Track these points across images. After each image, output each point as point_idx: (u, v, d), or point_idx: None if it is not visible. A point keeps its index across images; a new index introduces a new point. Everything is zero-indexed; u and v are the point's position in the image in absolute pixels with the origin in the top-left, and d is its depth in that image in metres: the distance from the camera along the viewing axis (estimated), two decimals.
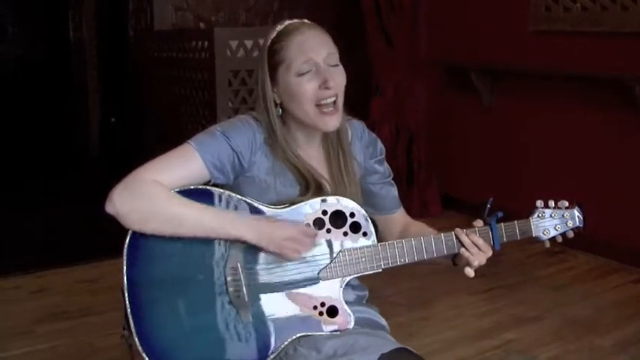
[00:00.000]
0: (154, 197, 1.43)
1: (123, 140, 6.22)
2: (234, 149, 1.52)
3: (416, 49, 4.86)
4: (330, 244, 1.53)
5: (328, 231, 1.52)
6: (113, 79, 6.50)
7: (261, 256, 1.50)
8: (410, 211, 1.83)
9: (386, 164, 1.75)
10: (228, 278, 1.47)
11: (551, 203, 1.62)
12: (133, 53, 5.44)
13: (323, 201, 1.53)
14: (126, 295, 1.42)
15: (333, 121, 1.54)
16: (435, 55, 4.85)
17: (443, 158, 4.88)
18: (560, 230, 1.61)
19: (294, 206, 1.53)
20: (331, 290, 1.52)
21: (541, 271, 3.74)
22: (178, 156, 1.50)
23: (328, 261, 1.52)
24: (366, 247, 1.54)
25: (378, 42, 4.61)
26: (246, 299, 1.47)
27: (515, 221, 1.60)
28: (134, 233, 1.44)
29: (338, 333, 1.51)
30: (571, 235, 1.62)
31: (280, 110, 1.57)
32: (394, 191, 1.76)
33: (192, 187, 1.49)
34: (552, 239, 1.62)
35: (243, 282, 1.47)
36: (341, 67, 1.56)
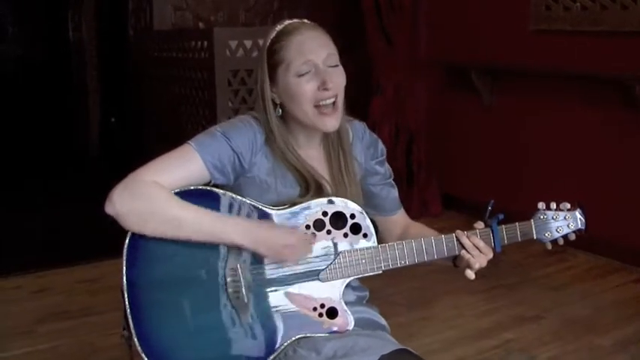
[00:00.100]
0: (153, 199, 1.43)
1: (123, 140, 6.22)
2: (234, 150, 1.52)
3: (416, 48, 4.86)
4: (330, 245, 1.53)
5: (328, 232, 1.52)
6: (113, 79, 6.50)
7: (261, 257, 1.49)
8: (410, 211, 1.83)
9: (387, 165, 1.75)
10: (228, 279, 1.47)
11: (553, 205, 1.61)
12: (132, 53, 5.45)
13: (330, 202, 1.53)
14: (125, 295, 1.42)
15: (332, 122, 1.54)
16: (435, 54, 4.84)
17: (443, 158, 4.88)
18: (562, 232, 1.61)
19: (295, 207, 1.53)
20: (331, 292, 1.52)
21: (540, 270, 3.74)
22: (178, 156, 1.50)
23: (328, 262, 1.52)
24: (367, 248, 1.54)
25: (378, 42, 4.61)
26: (246, 300, 1.47)
27: (517, 223, 1.60)
28: (134, 234, 1.44)
29: (338, 334, 1.51)
30: (573, 237, 1.61)
31: (281, 111, 1.57)
32: (395, 192, 1.76)
33: (197, 187, 1.49)
34: (554, 241, 1.62)
35: (242, 283, 1.47)
36: (341, 68, 1.56)
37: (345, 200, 1.54)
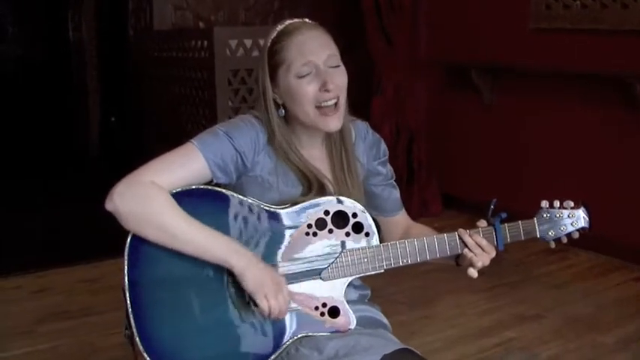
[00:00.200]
0: (152, 204, 1.42)
1: (123, 140, 6.22)
2: (237, 149, 1.51)
3: (416, 48, 4.85)
4: (331, 244, 1.52)
5: (330, 231, 1.52)
6: (113, 78, 6.50)
7: (262, 256, 1.49)
8: (410, 211, 1.83)
9: (389, 166, 1.74)
10: (230, 278, 1.47)
11: (557, 203, 1.61)
12: (132, 53, 5.44)
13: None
14: (127, 295, 1.42)
15: (334, 122, 1.53)
16: (435, 54, 4.84)
17: (443, 157, 4.88)
18: (565, 231, 1.60)
19: (297, 206, 1.53)
20: (333, 291, 1.52)
21: (542, 269, 3.74)
22: (181, 155, 1.50)
23: (330, 261, 1.52)
24: (369, 247, 1.53)
25: (379, 42, 4.61)
26: (247, 299, 1.47)
27: (520, 222, 1.59)
28: (135, 233, 1.44)
29: (340, 333, 1.51)
30: (576, 235, 1.61)
31: (284, 111, 1.56)
32: (396, 193, 1.76)
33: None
34: (557, 240, 1.61)
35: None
36: (342, 68, 1.55)
37: (349, 199, 1.54)
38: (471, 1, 4.57)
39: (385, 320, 1.67)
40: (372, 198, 1.71)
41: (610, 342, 2.89)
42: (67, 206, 4.91)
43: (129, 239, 1.44)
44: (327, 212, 1.52)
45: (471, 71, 4.46)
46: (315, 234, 1.51)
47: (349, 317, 1.52)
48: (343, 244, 1.53)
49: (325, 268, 1.52)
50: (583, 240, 1.63)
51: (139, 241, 1.43)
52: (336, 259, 1.52)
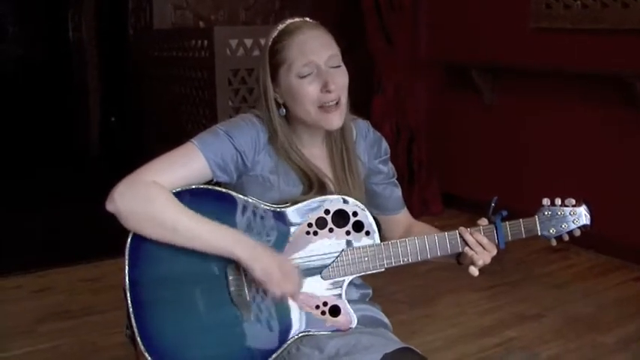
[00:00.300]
0: (153, 202, 1.42)
1: (123, 140, 6.22)
2: (237, 149, 1.51)
3: (416, 48, 4.85)
4: (332, 243, 1.52)
5: (331, 230, 1.52)
6: (113, 78, 6.50)
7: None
8: (410, 210, 1.82)
9: (390, 164, 1.74)
10: (230, 277, 1.47)
11: (558, 201, 1.61)
12: (132, 52, 5.44)
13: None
14: (128, 295, 1.42)
15: (335, 119, 1.53)
16: (436, 53, 4.84)
17: (444, 157, 4.88)
18: (567, 228, 1.60)
19: (298, 205, 1.53)
20: (334, 290, 1.52)
21: (543, 268, 3.74)
22: (182, 155, 1.50)
23: (331, 260, 1.52)
24: (369, 246, 1.53)
25: (379, 41, 4.61)
26: (248, 298, 1.47)
27: (521, 219, 1.59)
28: (135, 233, 1.44)
29: (340, 332, 1.51)
30: (578, 233, 1.60)
31: (284, 111, 1.56)
32: (398, 192, 1.75)
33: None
34: (559, 237, 1.61)
35: (244, 281, 1.47)
36: (343, 68, 1.55)
37: (349, 198, 1.54)
38: (472, 0, 4.57)
39: (386, 320, 1.67)
40: (374, 197, 1.71)
41: (610, 342, 2.89)
42: (68, 206, 4.91)
43: (129, 239, 1.44)
44: (327, 211, 1.52)
45: (472, 71, 4.46)
46: (315, 233, 1.51)
47: (350, 316, 1.52)
48: (344, 243, 1.53)
49: (326, 267, 1.52)
50: (583, 239, 1.63)
51: (139, 240, 1.43)
52: (336, 258, 1.52)
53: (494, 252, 1.56)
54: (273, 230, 1.51)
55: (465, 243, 1.55)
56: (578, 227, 1.60)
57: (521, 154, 4.34)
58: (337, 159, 1.62)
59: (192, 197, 1.46)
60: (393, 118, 4.67)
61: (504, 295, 3.40)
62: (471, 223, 1.59)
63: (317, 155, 1.62)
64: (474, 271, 1.55)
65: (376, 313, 1.66)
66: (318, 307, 1.51)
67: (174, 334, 1.43)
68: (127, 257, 1.43)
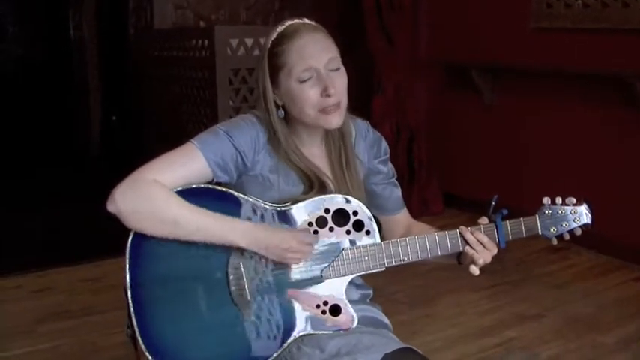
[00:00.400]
0: (154, 199, 1.42)
1: (124, 139, 6.22)
2: (237, 149, 1.52)
3: (416, 48, 4.85)
4: (332, 242, 1.52)
5: (331, 229, 1.52)
6: (114, 78, 6.50)
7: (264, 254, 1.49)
8: (411, 211, 1.82)
9: (390, 165, 1.74)
10: (230, 277, 1.47)
11: (559, 200, 1.61)
12: (133, 52, 5.44)
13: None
14: (129, 294, 1.42)
15: (335, 119, 1.53)
16: (436, 53, 4.84)
17: (444, 156, 4.88)
18: (568, 227, 1.60)
19: (298, 204, 1.53)
20: (334, 289, 1.52)
21: (543, 268, 3.74)
22: (181, 155, 1.50)
23: (331, 260, 1.52)
24: (370, 245, 1.54)
25: (379, 41, 4.61)
26: (249, 297, 1.47)
27: (521, 218, 1.59)
28: (136, 232, 1.44)
29: (341, 332, 1.51)
30: (578, 232, 1.60)
31: (283, 113, 1.56)
32: (398, 192, 1.75)
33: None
34: (559, 236, 1.61)
35: (245, 280, 1.47)
36: (342, 70, 1.55)
37: (350, 197, 1.54)
38: (472, 0, 4.57)
39: (386, 320, 1.67)
40: (374, 197, 1.71)
41: (610, 342, 2.89)
42: (68, 205, 4.91)
43: (130, 238, 1.44)
44: (327, 210, 1.52)
45: (472, 71, 4.46)
46: (315, 232, 1.52)
47: (351, 315, 1.52)
48: (344, 242, 1.53)
49: (326, 266, 1.52)
50: (583, 239, 1.63)
51: (140, 239, 1.44)
52: (336, 257, 1.52)
53: (495, 251, 1.56)
54: None
55: (466, 242, 1.55)
56: (579, 226, 1.60)
57: (522, 153, 4.34)
58: (335, 158, 1.62)
59: (193, 197, 1.46)
60: (393, 118, 4.67)
61: (504, 295, 3.40)
62: (472, 223, 1.59)
63: (316, 155, 1.62)
64: (475, 270, 1.55)
65: (376, 313, 1.66)
66: (318, 306, 1.51)
67: (174, 333, 1.44)
68: (127, 256, 1.43)
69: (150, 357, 1.40)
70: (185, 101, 4.39)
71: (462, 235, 1.56)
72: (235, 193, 1.51)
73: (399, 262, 1.55)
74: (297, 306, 1.50)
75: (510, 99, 4.41)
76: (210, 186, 1.51)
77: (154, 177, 1.45)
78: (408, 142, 4.73)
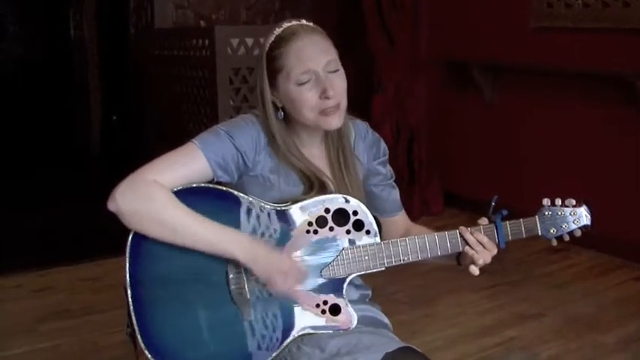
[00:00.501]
0: (154, 201, 1.42)
1: (124, 139, 6.22)
2: (238, 149, 1.52)
3: (417, 47, 4.85)
4: (332, 242, 1.52)
5: (331, 229, 1.52)
6: (114, 77, 6.50)
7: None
8: (411, 210, 1.83)
9: (388, 166, 1.74)
10: (230, 276, 1.47)
11: (558, 201, 1.61)
12: (133, 51, 5.44)
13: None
14: (129, 293, 1.42)
15: (335, 120, 1.53)
16: (437, 52, 4.84)
17: (444, 155, 4.88)
18: (568, 229, 1.60)
19: (298, 204, 1.53)
20: (334, 288, 1.52)
21: (543, 268, 3.74)
22: (183, 155, 1.50)
23: (331, 259, 1.52)
24: (369, 245, 1.54)
25: (380, 41, 4.60)
26: (249, 297, 1.47)
27: (521, 219, 1.59)
28: (136, 231, 1.44)
29: (341, 331, 1.51)
30: (578, 233, 1.60)
31: (282, 114, 1.56)
32: (396, 194, 1.75)
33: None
34: (559, 238, 1.61)
35: (245, 279, 1.47)
36: (341, 72, 1.55)
37: (349, 197, 1.54)
38: None
39: (386, 320, 1.67)
40: (372, 198, 1.71)
41: (611, 342, 2.89)
42: (68, 205, 4.91)
43: (130, 237, 1.44)
44: (327, 210, 1.52)
45: (472, 69, 4.46)
46: (315, 232, 1.52)
47: (350, 315, 1.52)
48: (344, 241, 1.53)
49: (326, 266, 1.52)
50: (584, 239, 1.63)
51: (140, 238, 1.44)
52: (336, 256, 1.52)
53: (495, 251, 1.56)
54: (274, 229, 1.51)
55: (466, 242, 1.55)
56: (579, 228, 1.60)
57: (522, 152, 4.34)
58: (335, 158, 1.63)
59: (193, 196, 1.46)
60: (393, 117, 4.66)
61: (504, 295, 3.40)
62: (472, 223, 1.59)
63: (316, 155, 1.62)
64: (475, 270, 1.55)
65: (376, 313, 1.66)
66: (318, 305, 1.51)
67: (174, 332, 1.44)
68: (127, 255, 1.44)
69: (149, 356, 1.40)
70: (185, 101, 4.39)
71: (461, 236, 1.56)
72: (235, 192, 1.51)
73: (399, 262, 1.55)
74: (296, 305, 1.50)
75: (511, 98, 4.41)
76: (210, 185, 1.51)
77: (155, 177, 1.45)
78: (408, 142, 4.73)
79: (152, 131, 5.07)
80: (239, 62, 3.90)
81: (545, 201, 1.61)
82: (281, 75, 1.52)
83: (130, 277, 1.43)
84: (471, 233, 1.56)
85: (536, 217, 1.60)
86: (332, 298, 1.52)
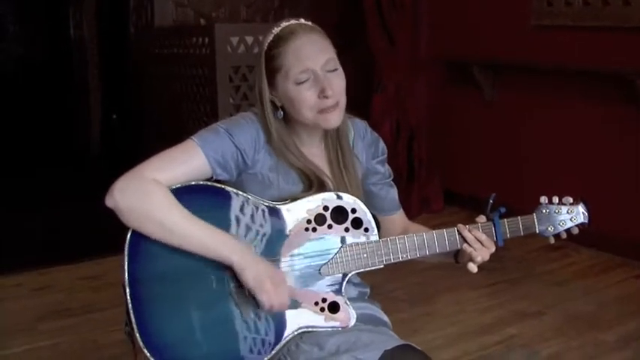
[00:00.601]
0: (152, 200, 1.42)
1: (124, 138, 6.22)
2: (237, 146, 1.51)
3: (417, 46, 4.85)
4: (331, 240, 1.52)
5: (330, 227, 1.52)
6: (114, 76, 6.50)
7: (262, 252, 1.49)
8: (411, 208, 1.83)
9: (387, 165, 1.74)
10: (230, 274, 1.47)
11: (555, 199, 1.61)
12: (133, 50, 5.44)
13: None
14: (127, 290, 1.42)
15: (334, 118, 1.53)
16: (437, 51, 4.84)
17: (444, 153, 4.88)
18: (565, 226, 1.60)
19: (296, 202, 1.53)
20: (333, 286, 1.52)
21: (543, 266, 3.74)
22: (182, 152, 1.50)
23: (330, 257, 1.52)
24: (368, 242, 1.54)
25: (380, 41, 4.60)
26: (247, 295, 1.47)
27: (519, 217, 1.59)
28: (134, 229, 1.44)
29: (340, 329, 1.51)
30: (575, 231, 1.61)
31: (282, 113, 1.56)
32: (394, 193, 1.76)
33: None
34: (556, 235, 1.61)
35: None
36: (340, 71, 1.54)
37: (347, 195, 1.54)
38: None
39: (385, 318, 1.67)
40: (370, 197, 1.71)
41: (611, 340, 2.89)
42: (68, 204, 4.91)
43: (129, 235, 1.44)
44: (326, 208, 1.52)
45: (473, 68, 4.46)
46: (314, 229, 1.52)
47: (349, 312, 1.52)
48: (342, 239, 1.53)
49: (324, 264, 1.52)
50: (584, 237, 1.63)
51: (139, 236, 1.43)
52: (335, 254, 1.52)
53: (493, 249, 1.56)
54: (272, 227, 1.51)
55: (464, 240, 1.56)
56: (576, 225, 1.61)
57: (522, 151, 4.34)
58: (333, 157, 1.63)
59: (191, 193, 1.46)
60: (393, 116, 4.66)
61: (504, 292, 3.40)
62: (471, 220, 1.59)
63: (315, 154, 1.62)
64: (473, 267, 1.55)
65: (375, 311, 1.66)
66: (317, 303, 1.51)
67: (173, 330, 1.43)
68: (126, 253, 1.43)
69: (148, 354, 1.40)
70: (185, 99, 4.39)
71: (459, 233, 1.56)
72: (230, 189, 1.50)
73: (398, 260, 1.55)
74: (295, 303, 1.50)
75: (511, 96, 4.41)
76: (207, 182, 1.50)
77: (153, 174, 1.44)
78: (408, 141, 4.73)
79: (152, 130, 5.07)
80: (239, 60, 3.89)
81: (543, 199, 1.61)
82: (280, 74, 1.52)
83: (128, 275, 1.42)
84: (469, 231, 1.56)
85: (534, 214, 1.60)
86: (331, 296, 1.52)
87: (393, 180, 1.76)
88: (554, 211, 1.60)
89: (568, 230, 1.61)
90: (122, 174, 1.46)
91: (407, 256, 1.55)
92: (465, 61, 4.53)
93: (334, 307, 1.52)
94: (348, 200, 1.54)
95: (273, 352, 1.48)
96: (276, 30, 1.55)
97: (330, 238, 1.52)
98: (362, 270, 1.55)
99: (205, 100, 4.10)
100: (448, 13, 4.76)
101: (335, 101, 1.51)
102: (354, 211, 1.53)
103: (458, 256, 1.62)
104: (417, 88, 4.82)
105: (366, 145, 1.69)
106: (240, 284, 1.46)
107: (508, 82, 4.42)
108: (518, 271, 3.65)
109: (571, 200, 1.61)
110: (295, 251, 1.51)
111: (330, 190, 1.57)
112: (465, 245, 1.55)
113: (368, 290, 1.71)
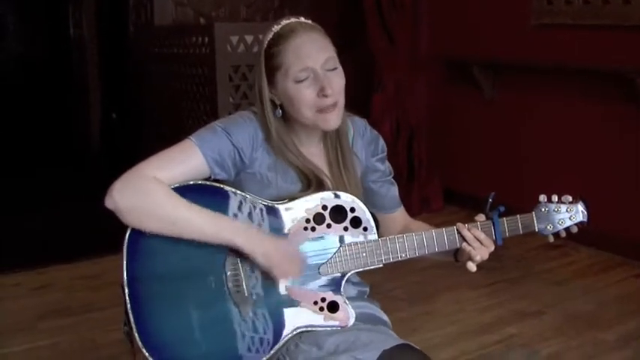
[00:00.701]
0: (151, 196, 1.42)
1: (123, 137, 6.21)
2: (235, 145, 1.51)
3: (417, 46, 4.84)
4: (330, 239, 1.52)
5: (328, 226, 1.52)
6: (114, 76, 6.49)
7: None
8: (411, 207, 1.83)
9: (387, 163, 1.74)
10: (228, 273, 1.47)
11: (555, 198, 1.61)
12: (133, 50, 5.44)
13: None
14: (126, 290, 1.42)
15: (333, 119, 1.53)
16: (437, 50, 4.83)
17: (444, 153, 4.87)
18: (564, 225, 1.60)
19: (295, 201, 1.52)
20: (332, 285, 1.52)
21: (543, 265, 3.74)
22: (180, 151, 1.50)
23: (329, 256, 1.52)
24: (367, 241, 1.53)
25: (380, 41, 4.60)
26: (246, 294, 1.47)
27: (518, 215, 1.59)
28: (134, 228, 1.43)
29: (339, 329, 1.51)
30: (575, 230, 1.61)
31: (281, 112, 1.56)
32: (394, 190, 1.75)
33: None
34: (556, 234, 1.61)
35: (243, 277, 1.47)
36: (339, 70, 1.54)
37: (346, 194, 1.54)
38: None
39: (385, 317, 1.67)
40: (371, 195, 1.71)
41: (611, 339, 2.89)
42: (68, 203, 4.91)
43: (128, 234, 1.44)
44: (325, 207, 1.52)
45: (473, 67, 4.46)
46: (313, 229, 1.51)
47: (348, 312, 1.52)
48: (341, 238, 1.53)
49: (324, 263, 1.52)
50: (584, 236, 1.63)
51: (138, 235, 1.43)
52: (334, 253, 1.52)
53: (492, 248, 1.56)
54: (270, 226, 1.51)
55: (463, 239, 1.55)
56: (575, 224, 1.61)
57: (522, 149, 4.34)
58: (332, 156, 1.62)
59: (190, 193, 1.46)
60: (393, 115, 4.66)
61: (504, 292, 3.39)
62: (471, 219, 1.59)
63: (315, 153, 1.62)
64: (472, 266, 1.55)
65: (375, 310, 1.66)
66: (316, 302, 1.51)
67: (171, 330, 1.43)
68: (125, 252, 1.43)
69: (147, 353, 1.40)
70: (185, 98, 4.38)
71: (459, 232, 1.56)
72: (228, 188, 1.50)
73: (397, 259, 1.55)
74: (294, 302, 1.50)
75: (511, 95, 4.41)
76: (206, 182, 1.50)
77: (152, 174, 1.44)
78: (408, 140, 4.73)
79: (152, 130, 5.07)
80: (238, 59, 3.89)
81: (542, 197, 1.61)
82: (279, 72, 1.52)
83: (127, 274, 1.42)
84: (468, 230, 1.56)
85: (533, 213, 1.60)
86: (330, 296, 1.52)
87: (393, 177, 1.76)
88: (554, 210, 1.60)
89: (567, 229, 1.61)
90: (122, 173, 1.46)
91: (406, 255, 1.55)
92: (465, 61, 4.53)
93: (333, 307, 1.51)
94: (347, 199, 1.53)
95: (272, 351, 1.48)
96: (276, 28, 1.55)
97: (329, 238, 1.52)
98: (361, 269, 1.55)
99: (205, 100, 4.09)
100: (448, 13, 4.75)
101: (334, 100, 1.51)
102: (352, 210, 1.53)
103: (457, 255, 1.62)
104: (417, 87, 4.82)
105: (366, 143, 1.69)
106: (238, 283, 1.46)
107: (508, 81, 4.42)
108: (517, 270, 3.65)
109: (570, 199, 1.61)
110: None
111: (328, 189, 1.56)
112: (464, 244, 1.55)
113: (367, 289, 1.70)
